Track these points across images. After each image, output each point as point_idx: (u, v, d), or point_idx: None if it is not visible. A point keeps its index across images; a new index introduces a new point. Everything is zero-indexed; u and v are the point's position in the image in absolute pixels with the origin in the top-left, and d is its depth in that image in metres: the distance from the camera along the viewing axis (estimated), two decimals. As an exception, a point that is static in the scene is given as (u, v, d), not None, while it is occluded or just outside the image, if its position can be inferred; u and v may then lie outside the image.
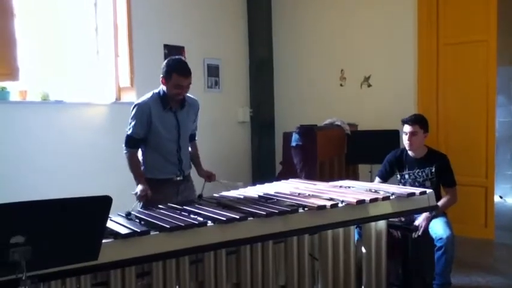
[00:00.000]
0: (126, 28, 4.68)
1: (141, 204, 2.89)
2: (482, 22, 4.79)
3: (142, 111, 2.98)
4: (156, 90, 3.06)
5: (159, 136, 3.02)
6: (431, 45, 5.06)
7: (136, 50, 4.74)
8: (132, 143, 3.02)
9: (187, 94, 3.13)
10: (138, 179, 2.97)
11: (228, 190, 3.00)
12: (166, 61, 2.98)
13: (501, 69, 5.31)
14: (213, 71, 5.58)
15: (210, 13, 5.57)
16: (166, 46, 5.03)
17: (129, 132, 3.02)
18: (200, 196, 2.90)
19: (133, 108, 3.03)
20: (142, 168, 3.08)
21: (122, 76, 4.76)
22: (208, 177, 3.21)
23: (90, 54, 4.69)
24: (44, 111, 4.13)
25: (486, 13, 4.75)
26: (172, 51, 5.03)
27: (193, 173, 3.33)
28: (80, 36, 4.62)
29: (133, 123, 3.00)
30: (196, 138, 3.36)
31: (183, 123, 3.09)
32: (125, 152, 3.04)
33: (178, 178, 3.12)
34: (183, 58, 2.98)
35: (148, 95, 3.07)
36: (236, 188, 3.07)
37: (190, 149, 3.27)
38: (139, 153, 3.11)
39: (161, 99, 3.01)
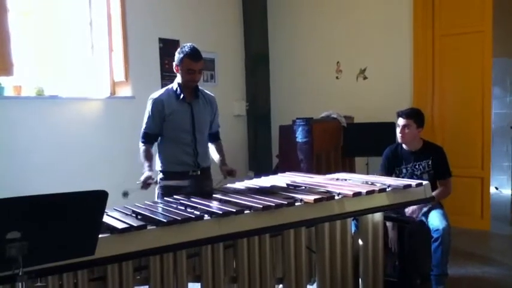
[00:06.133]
0: (121, 22, 4.65)
1: (158, 194, 2.94)
2: (478, 13, 4.79)
3: (156, 107, 3.03)
4: (170, 86, 3.12)
5: (173, 127, 3.05)
6: (427, 36, 5.06)
7: (131, 44, 4.72)
8: (145, 137, 3.08)
9: (205, 90, 3.22)
10: (145, 167, 2.95)
11: (242, 180, 3.06)
12: (178, 49, 3.03)
13: (497, 60, 5.32)
14: (208, 65, 5.56)
15: (205, 6, 5.54)
16: (161, 40, 5.01)
17: (143, 128, 3.09)
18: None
19: (148, 102, 3.09)
20: (159, 163, 3.12)
21: (116, 70, 4.74)
22: (229, 172, 3.18)
23: (84, 48, 4.67)
24: (39, 106, 4.12)
25: (482, 4, 4.75)
26: (168, 45, 5.01)
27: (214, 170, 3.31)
28: (74, 31, 4.60)
29: (147, 118, 3.07)
30: (220, 138, 3.35)
31: (198, 115, 3.11)
32: (140, 145, 3.08)
33: (194, 173, 3.09)
34: (194, 45, 3.00)
35: (164, 89, 3.14)
36: (249, 178, 3.14)
37: (215, 147, 3.29)
38: (155, 149, 3.14)
39: (175, 91, 3.07)
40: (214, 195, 2.59)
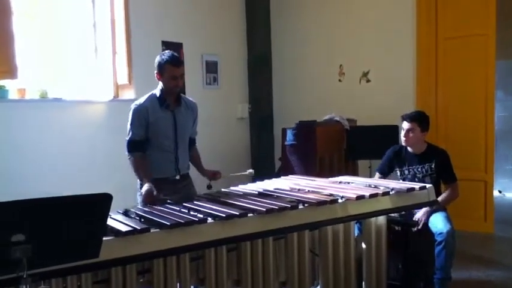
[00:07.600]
0: (124, 25, 4.66)
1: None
2: (481, 16, 4.78)
3: (140, 113, 3.00)
4: (153, 92, 3.10)
5: (156, 133, 3.03)
6: (430, 39, 5.06)
7: (134, 47, 4.72)
8: (133, 146, 3.01)
9: (187, 97, 3.22)
10: (143, 180, 2.90)
11: (245, 183, 3.06)
12: (157, 57, 3.03)
13: (500, 63, 5.31)
14: (211, 68, 5.57)
15: (208, 9, 5.55)
16: (164, 43, 5.01)
17: (128, 137, 3.02)
18: (209, 187, 3.06)
19: (131, 109, 3.05)
20: None
21: (120, 73, 4.75)
22: (213, 175, 3.21)
23: (88, 51, 4.67)
24: (43, 109, 4.13)
25: (485, 7, 4.75)
26: (171, 48, 5.01)
27: (193, 172, 3.31)
28: (77, 34, 4.61)
29: (131, 126, 3.02)
30: (196, 144, 3.36)
31: (180, 122, 3.10)
32: (129, 157, 3.01)
33: (173, 178, 3.08)
34: (173, 52, 3.02)
35: (146, 96, 3.11)
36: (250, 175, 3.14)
37: (192, 153, 3.29)
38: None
39: (158, 98, 3.05)
40: (217, 198, 2.60)
